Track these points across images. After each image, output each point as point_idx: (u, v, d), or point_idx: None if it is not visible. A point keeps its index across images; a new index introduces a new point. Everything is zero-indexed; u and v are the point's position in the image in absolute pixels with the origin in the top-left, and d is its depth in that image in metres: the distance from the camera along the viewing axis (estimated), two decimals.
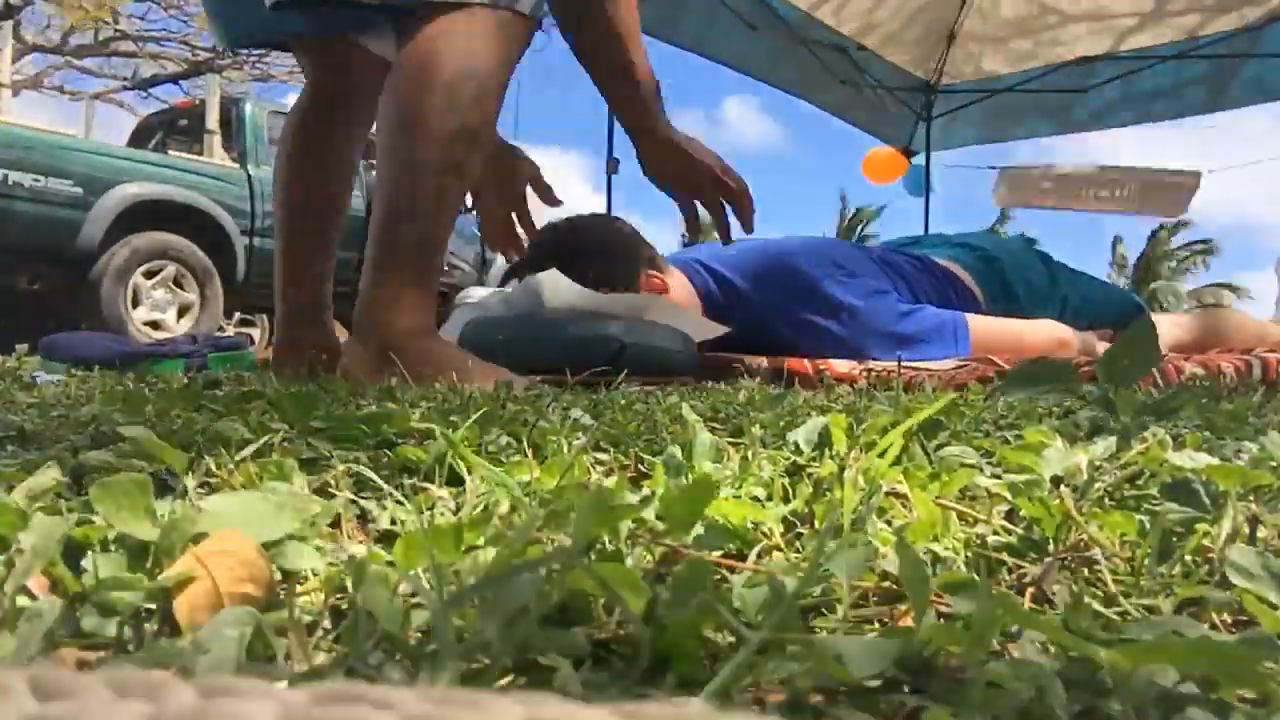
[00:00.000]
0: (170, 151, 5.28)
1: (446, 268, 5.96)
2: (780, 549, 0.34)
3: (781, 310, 1.68)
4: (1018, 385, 0.50)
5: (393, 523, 0.38)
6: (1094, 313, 2.00)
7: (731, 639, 0.25)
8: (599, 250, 1.63)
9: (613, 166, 4.81)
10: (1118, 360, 0.47)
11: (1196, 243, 24.61)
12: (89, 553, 0.29)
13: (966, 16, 5.73)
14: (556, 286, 1.54)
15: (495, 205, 1.54)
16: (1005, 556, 0.34)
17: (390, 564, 0.28)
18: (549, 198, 1.54)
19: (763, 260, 1.75)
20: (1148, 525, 0.35)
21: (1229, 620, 0.28)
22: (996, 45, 5.80)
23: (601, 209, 4.74)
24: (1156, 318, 2.26)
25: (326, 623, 0.27)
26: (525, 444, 0.54)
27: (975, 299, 1.90)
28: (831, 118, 6.29)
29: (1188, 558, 0.33)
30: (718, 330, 1.57)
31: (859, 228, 23.43)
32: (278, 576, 0.29)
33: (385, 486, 0.43)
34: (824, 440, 0.49)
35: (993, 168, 7.08)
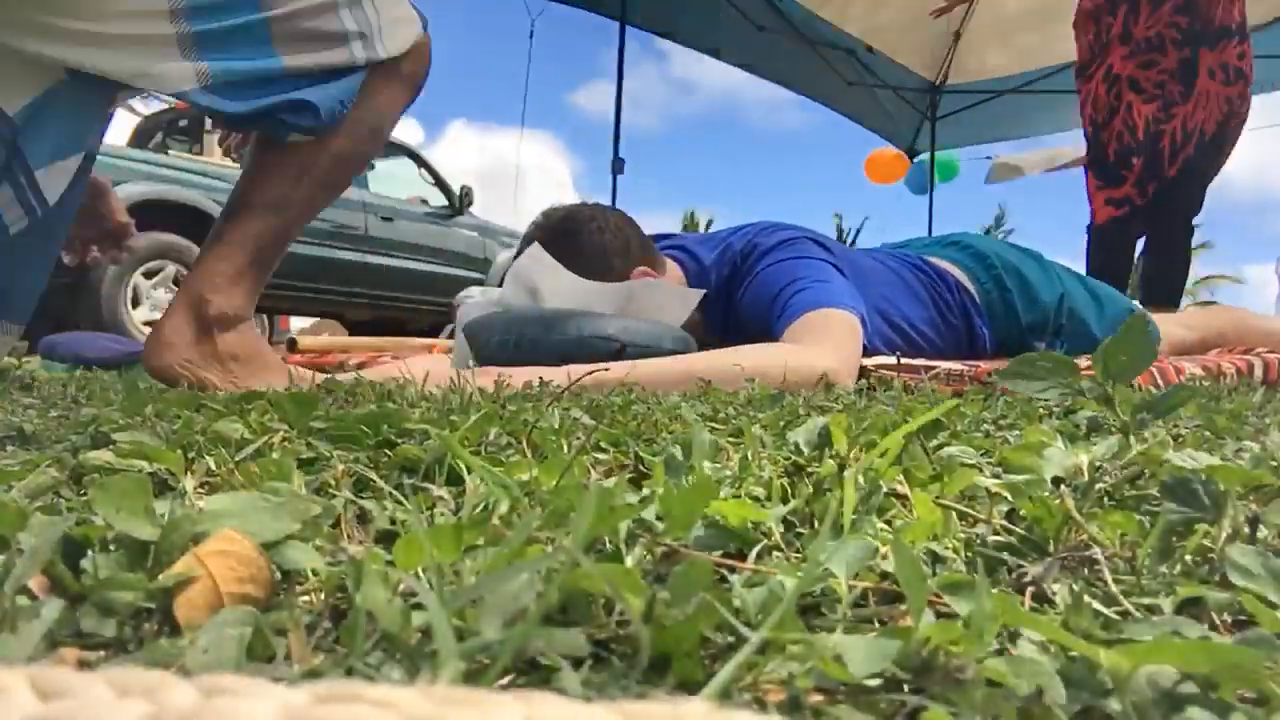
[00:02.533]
0: (170, 151, 5.28)
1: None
2: (780, 549, 0.34)
3: (752, 245, 1.67)
4: (1014, 378, 0.50)
5: (393, 523, 0.38)
6: (1092, 310, 2.00)
7: (731, 639, 0.25)
8: (593, 240, 1.63)
9: (618, 166, 4.81)
10: (1115, 356, 0.47)
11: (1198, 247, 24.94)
12: (89, 553, 0.29)
13: (972, 17, 5.73)
14: (548, 278, 1.54)
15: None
16: (1005, 556, 0.34)
17: (390, 564, 0.28)
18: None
19: (744, 226, 1.77)
20: (1148, 525, 0.35)
21: (1229, 620, 0.28)
22: (1001, 43, 5.80)
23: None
24: (1159, 317, 2.26)
25: (326, 623, 0.27)
26: (525, 444, 0.54)
27: (971, 296, 1.90)
28: None
29: (1188, 558, 0.33)
30: (697, 295, 1.57)
31: (851, 234, 23.39)
32: (278, 576, 0.29)
33: (385, 486, 0.43)
34: (824, 440, 0.49)
35: (988, 157, 7.14)
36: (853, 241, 20.63)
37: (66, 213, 1.18)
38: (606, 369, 1.16)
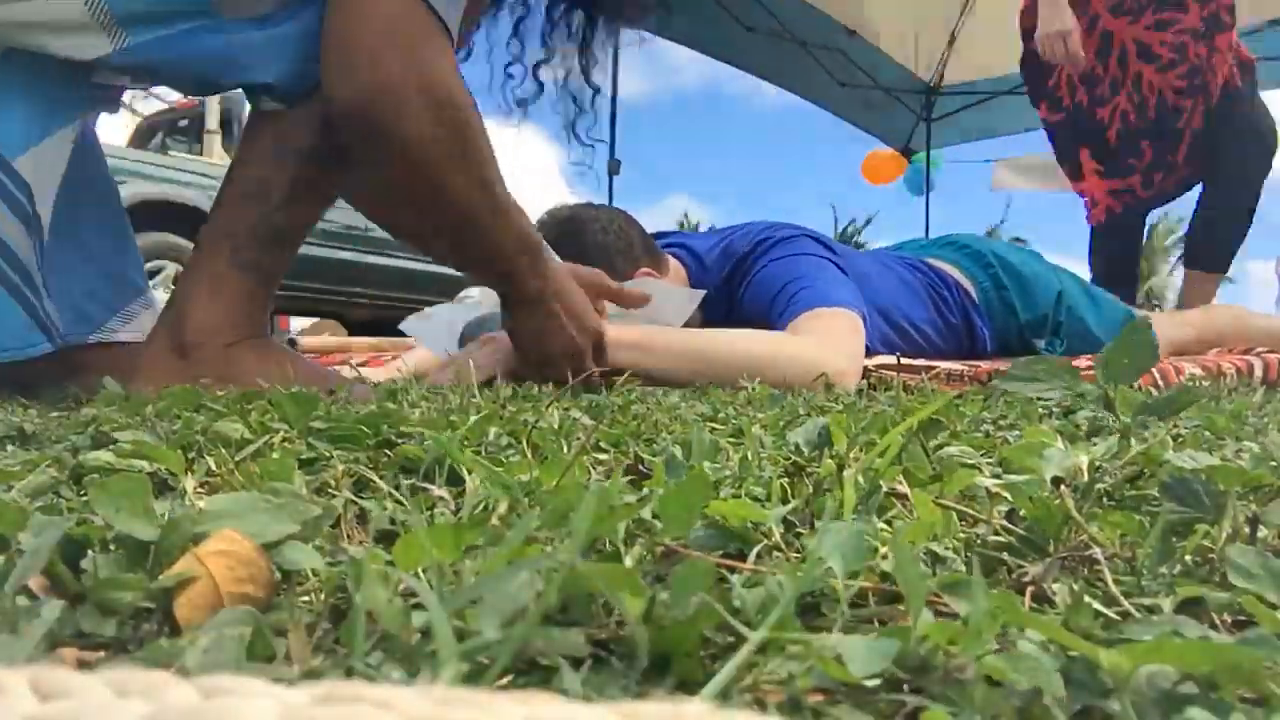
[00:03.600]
0: (170, 151, 5.28)
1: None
2: (780, 549, 0.34)
3: (754, 244, 1.67)
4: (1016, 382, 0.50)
5: (392, 523, 0.38)
6: (1090, 309, 2.01)
7: (731, 639, 0.25)
8: (596, 241, 1.63)
9: (614, 167, 4.81)
10: (1116, 359, 0.47)
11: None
12: (89, 553, 0.29)
13: (968, 16, 5.73)
14: None
15: None
16: (1005, 556, 0.34)
17: (390, 564, 0.28)
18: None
19: (745, 225, 1.78)
20: (1148, 525, 0.35)
21: (1229, 620, 0.28)
22: (997, 41, 5.80)
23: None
24: (1158, 317, 2.26)
25: (326, 623, 0.27)
26: (525, 444, 0.54)
27: (970, 295, 1.90)
28: None
29: (1188, 558, 0.33)
30: (699, 296, 1.57)
31: (854, 236, 23.41)
32: (278, 576, 0.29)
33: (385, 487, 0.43)
34: (824, 440, 0.49)
35: (988, 161, 7.12)
36: (858, 236, 20.65)
37: (81, 201, 1.04)
38: (613, 370, 1.16)
